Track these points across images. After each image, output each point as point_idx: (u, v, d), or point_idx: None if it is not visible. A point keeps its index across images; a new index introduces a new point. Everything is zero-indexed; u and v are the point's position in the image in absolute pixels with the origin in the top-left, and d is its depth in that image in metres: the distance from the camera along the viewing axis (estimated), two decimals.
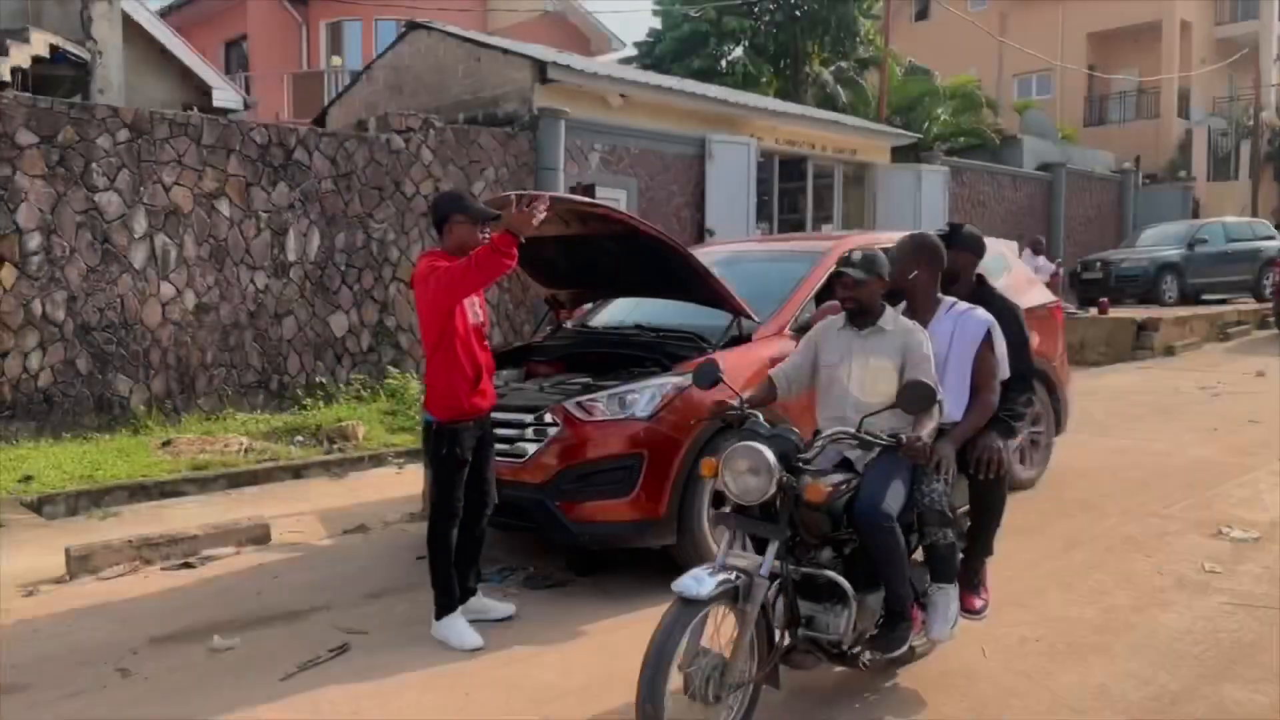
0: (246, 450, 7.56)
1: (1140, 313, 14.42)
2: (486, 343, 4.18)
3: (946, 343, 3.48)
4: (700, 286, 4.93)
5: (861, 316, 3.43)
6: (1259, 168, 28.30)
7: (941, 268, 3.60)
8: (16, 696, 3.62)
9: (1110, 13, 28.08)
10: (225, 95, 13.81)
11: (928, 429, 3.15)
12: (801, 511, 3.07)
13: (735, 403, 3.40)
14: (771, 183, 14.60)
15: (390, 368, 9.69)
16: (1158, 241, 17.53)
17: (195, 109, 11.55)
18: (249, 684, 3.71)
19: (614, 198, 11.90)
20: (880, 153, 16.22)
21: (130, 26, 12.38)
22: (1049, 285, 9.23)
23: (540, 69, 11.37)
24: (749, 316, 4.91)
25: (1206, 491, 6.25)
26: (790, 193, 15.79)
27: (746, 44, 22.72)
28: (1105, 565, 4.86)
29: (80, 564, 5.02)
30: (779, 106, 15.46)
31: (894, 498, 3.12)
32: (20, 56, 10.43)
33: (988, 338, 3.49)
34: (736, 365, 4.78)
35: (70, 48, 11.16)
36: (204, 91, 13.55)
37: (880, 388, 3.33)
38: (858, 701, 3.43)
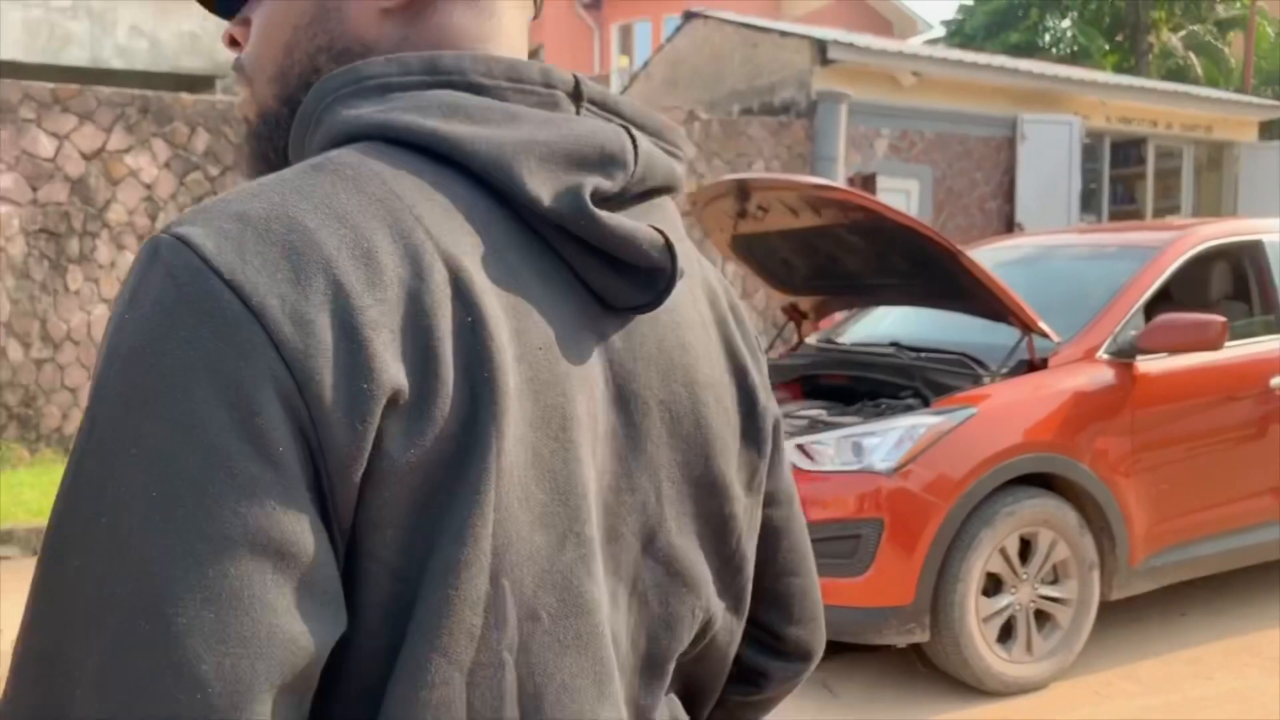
0: None
1: None
2: None
3: None
4: (976, 292, 3.66)
5: None
6: None
7: None
8: None
9: None
10: None
11: None
12: None
13: None
14: (1100, 168, 12.41)
15: None
16: None
17: None
18: None
19: (904, 189, 10.51)
20: (1245, 129, 13.38)
21: None
22: None
23: (820, 49, 10.24)
24: (1043, 333, 3.58)
25: None
26: (1125, 179, 13.40)
27: (1075, 15, 20.06)
28: None
29: None
30: (1109, 79, 13.18)
31: None
32: None
33: None
34: (1021, 403, 3.50)
35: None
36: None
37: None
38: None
